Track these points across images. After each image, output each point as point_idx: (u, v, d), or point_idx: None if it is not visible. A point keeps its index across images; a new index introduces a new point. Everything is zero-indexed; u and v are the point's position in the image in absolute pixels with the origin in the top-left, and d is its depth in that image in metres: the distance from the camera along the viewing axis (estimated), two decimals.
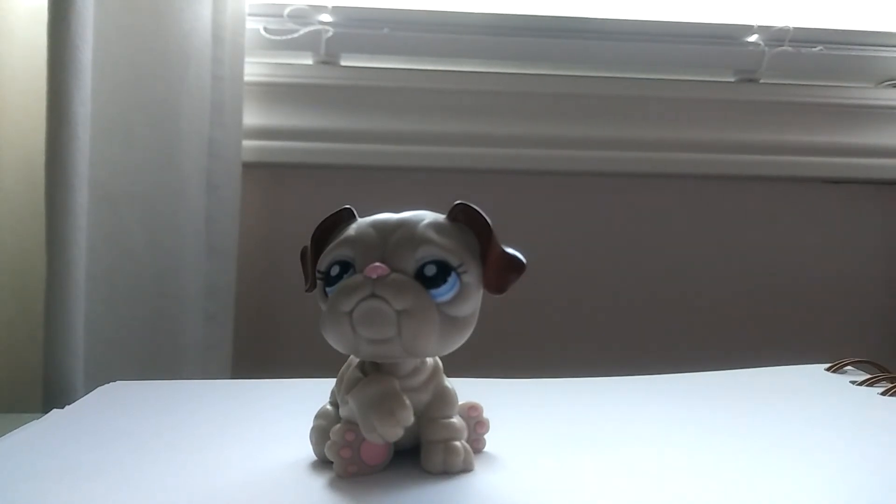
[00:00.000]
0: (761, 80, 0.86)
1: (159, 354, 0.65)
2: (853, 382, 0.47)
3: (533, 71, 0.83)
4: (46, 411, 0.45)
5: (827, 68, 0.87)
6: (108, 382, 0.50)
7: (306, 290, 0.35)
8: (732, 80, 0.86)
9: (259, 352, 0.77)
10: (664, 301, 0.84)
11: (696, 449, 0.36)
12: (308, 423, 0.35)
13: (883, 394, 0.44)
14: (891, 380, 0.45)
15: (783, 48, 0.85)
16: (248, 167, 0.74)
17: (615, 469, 0.34)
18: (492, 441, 0.37)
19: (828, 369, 0.50)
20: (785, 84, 0.85)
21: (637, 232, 0.84)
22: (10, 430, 0.41)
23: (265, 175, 0.78)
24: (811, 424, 0.40)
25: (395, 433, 0.32)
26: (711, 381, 0.49)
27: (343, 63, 0.80)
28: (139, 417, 0.43)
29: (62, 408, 0.45)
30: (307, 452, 0.35)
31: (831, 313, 0.85)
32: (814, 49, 0.86)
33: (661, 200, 0.84)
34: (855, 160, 0.84)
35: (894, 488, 0.31)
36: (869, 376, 0.47)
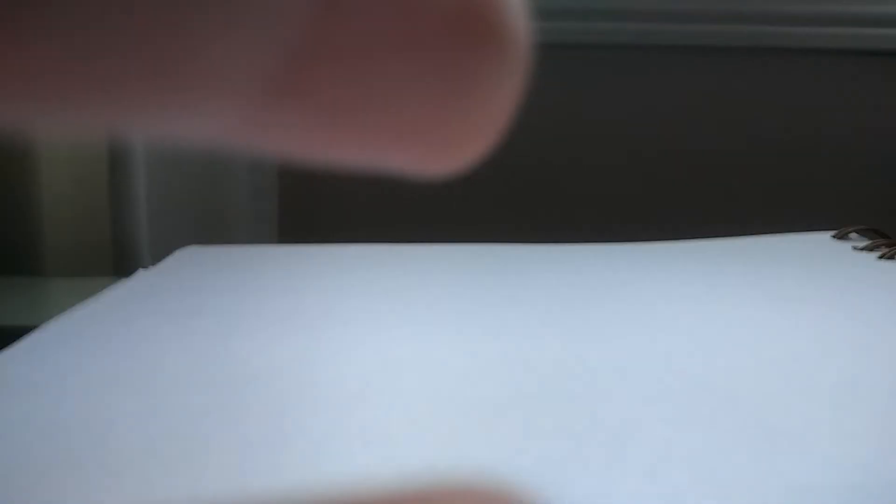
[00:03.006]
0: None
1: (211, 226, 0.71)
2: (855, 248, 0.50)
3: None
4: (117, 274, 0.50)
5: None
6: (167, 249, 0.55)
7: None
8: None
9: (302, 224, 0.82)
10: (675, 168, 0.86)
11: (701, 317, 0.40)
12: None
13: (880, 258, 0.48)
14: (888, 245, 0.49)
15: None
16: None
17: (613, 338, 0.38)
18: (495, 308, 0.41)
19: (834, 236, 0.53)
20: None
21: (650, 99, 0.86)
22: (87, 290, 0.46)
23: None
24: (814, 286, 0.44)
25: None
26: (720, 248, 0.53)
27: None
28: (219, 280, 0.47)
29: (133, 272, 0.50)
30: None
31: (842, 180, 0.87)
32: None
33: (678, 70, 0.86)
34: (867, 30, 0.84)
35: (877, 336, 0.35)
36: (869, 242, 0.50)
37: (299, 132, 0.07)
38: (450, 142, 0.07)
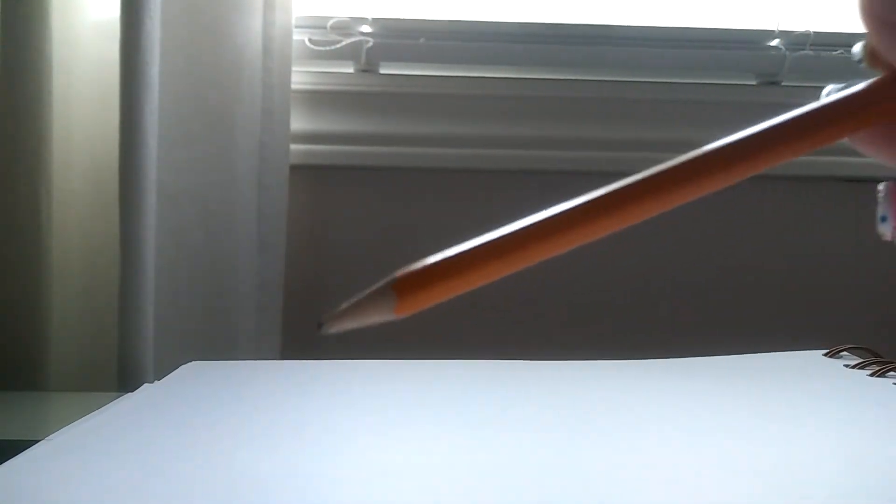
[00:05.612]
0: (783, 83, 0.89)
1: (216, 341, 0.72)
2: (847, 366, 0.51)
3: (561, 76, 0.88)
4: (121, 390, 0.51)
5: (847, 70, 0.90)
6: (172, 365, 0.56)
7: None
8: (755, 83, 0.90)
9: (305, 340, 0.83)
10: (672, 289, 0.87)
11: (695, 433, 0.41)
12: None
13: (871, 375, 0.48)
14: (880, 363, 0.50)
15: (804, 52, 0.88)
16: (295, 169, 0.79)
17: (614, 453, 0.38)
18: (494, 424, 0.41)
19: (825, 355, 0.54)
20: (806, 86, 0.89)
21: (649, 225, 0.88)
22: (91, 405, 0.46)
23: (310, 176, 0.83)
24: (808, 402, 0.44)
25: None
26: (713, 366, 0.54)
27: (382, 71, 0.86)
28: (223, 394, 0.48)
29: (138, 387, 0.51)
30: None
31: (832, 303, 0.88)
32: (834, 52, 0.89)
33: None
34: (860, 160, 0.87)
35: (868, 451, 0.36)
36: (860, 360, 0.51)
37: None
38: None
